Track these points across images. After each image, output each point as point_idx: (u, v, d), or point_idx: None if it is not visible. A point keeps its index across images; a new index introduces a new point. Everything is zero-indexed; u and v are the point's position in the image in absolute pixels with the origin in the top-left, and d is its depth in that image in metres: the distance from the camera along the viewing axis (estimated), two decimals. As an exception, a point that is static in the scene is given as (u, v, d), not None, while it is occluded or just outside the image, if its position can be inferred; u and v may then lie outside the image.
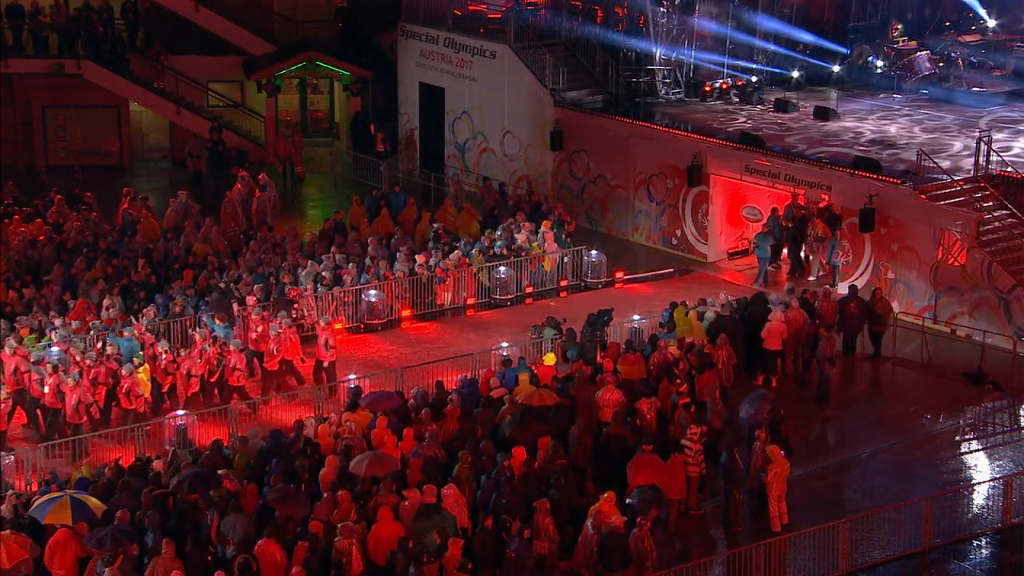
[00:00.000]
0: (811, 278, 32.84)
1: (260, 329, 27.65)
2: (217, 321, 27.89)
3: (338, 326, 29.73)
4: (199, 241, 33.48)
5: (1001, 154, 32.25)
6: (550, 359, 26.48)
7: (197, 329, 27.60)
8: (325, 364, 27.89)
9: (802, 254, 33.30)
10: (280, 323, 27.58)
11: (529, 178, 39.44)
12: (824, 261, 32.72)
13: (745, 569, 20.36)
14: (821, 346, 27.20)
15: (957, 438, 26.05)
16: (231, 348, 26.84)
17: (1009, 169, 31.77)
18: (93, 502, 20.60)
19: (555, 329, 28.13)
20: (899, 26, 42.19)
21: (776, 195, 33.86)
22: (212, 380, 26.69)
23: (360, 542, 19.79)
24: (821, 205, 32.68)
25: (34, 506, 20.73)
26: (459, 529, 20.32)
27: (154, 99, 43.81)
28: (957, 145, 34.45)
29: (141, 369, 26.01)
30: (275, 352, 27.35)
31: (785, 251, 33.56)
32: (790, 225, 32.92)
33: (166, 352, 26.65)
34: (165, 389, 26.59)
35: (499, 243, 33.36)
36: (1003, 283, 29.41)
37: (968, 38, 41.67)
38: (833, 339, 28.00)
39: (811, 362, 27.85)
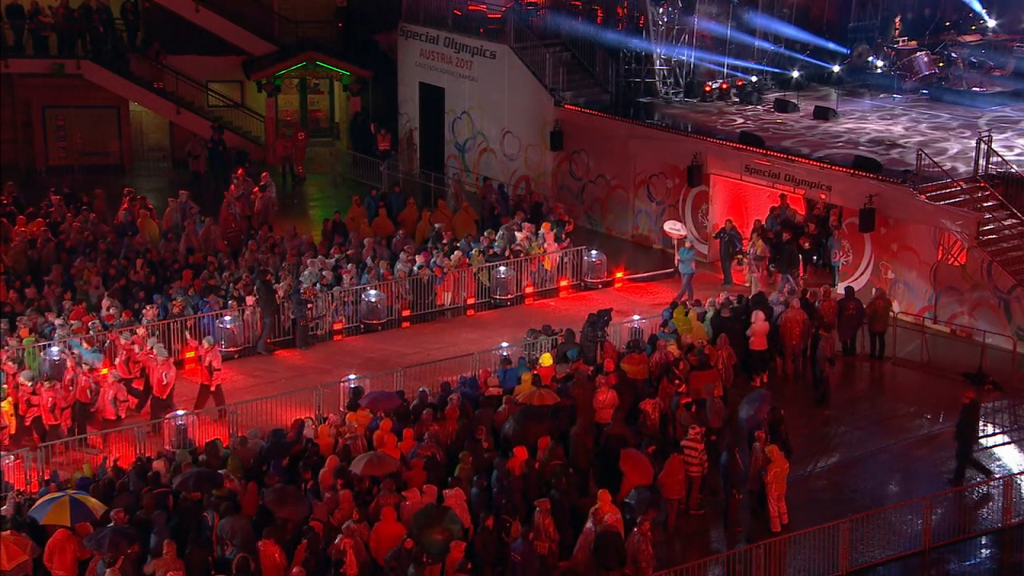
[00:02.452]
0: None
1: (135, 353, 26.67)
2: (85, 345, 26.83)
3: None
4: (200, 242, 33.51)
5: (1001, 154, 32.24)
6: (547, 359, 26.47)
7: (69, 354, 26.34)
8: (212, 388, 26.93)
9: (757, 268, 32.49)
10: (155, 351, 26.57)
11: (529, 178, 39.45)
12: (760, 277, 32.10)
13: (745, 569, 20.36)
14: (821, 346, 27.23)
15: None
16: (109, 380, 25.69)
17: (1013, 169, 31.76)
18: (93, 502, 20.59)
19: (550, 337, 28.19)
20: (898, 26, 42.19)
21: (774, 198, 33.87)
22: (93, 410, 25.62)
23: (361, 543, 19.80)
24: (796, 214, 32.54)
25: (34, 506, 20.75)
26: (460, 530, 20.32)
27: (154, 99, 43.82)
28: (956, 145, 34.45)
29: (5, 401, 25.00)
30: (165, 380, 26.22)
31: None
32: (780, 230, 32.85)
33: (28, 382, 25.34)
34: (28, 422, 25.17)
35: (498, 243, 33.36)
36: (1003, 283, 29.40)
37: (968, 38, 41.65)
38: (833, 339, 27.99)
39: (811, 362, 27.87)
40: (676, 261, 33.14)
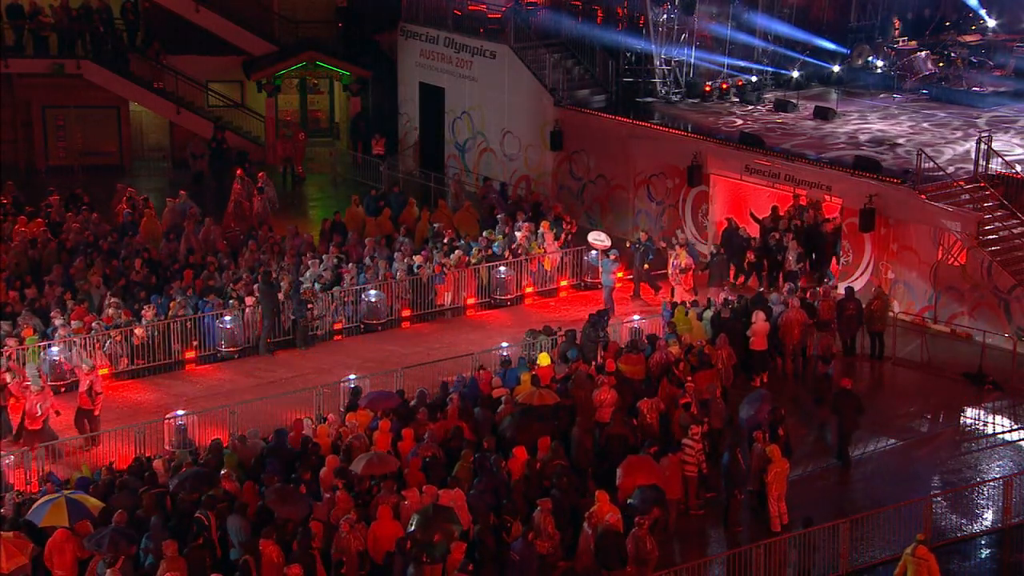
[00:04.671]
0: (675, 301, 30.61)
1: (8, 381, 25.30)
2: None
3: (103, 371, 27.10)
4: (200, 242, 33.51)
5: (1001, 154, 32.24)
6: (544, 359, 26.47)
7: None
8: (96, 412, 25.63)
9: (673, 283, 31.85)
10: (31, 381, 25.29)
11: (529, 178, 39.45)
12: (689, 289, 31.42)
13: (745, 569, 20.36)
14: (815, 345, 27.22)
15: (957, 438, 26.06)
16: None
17: (1016, 169, 31.75)
18: (91, 501, 20.59)
19: (550, 336, 28.20)
20: (898, 24, 42.22)
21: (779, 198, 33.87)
22: None
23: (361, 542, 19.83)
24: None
25: (32, 508, 20.75)
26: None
27: (154, 99, 43.80)
28: (956, 145, 34.45)
29: None
30: (39, 412, 24.87)
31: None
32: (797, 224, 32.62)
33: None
34: None
35: (498, 244, 33.32)
36: (1003, 283, 29.40)
37: (968, 38, 41.67)
38: (827, 338, 27.89)
39: (809, 362, 27.88)
40: (599, 273, 32.57)
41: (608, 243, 33.09)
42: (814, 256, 32.11)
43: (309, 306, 30.02)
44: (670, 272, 31.83)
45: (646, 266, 32.45)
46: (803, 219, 32.36)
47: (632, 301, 32.20)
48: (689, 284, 31.64)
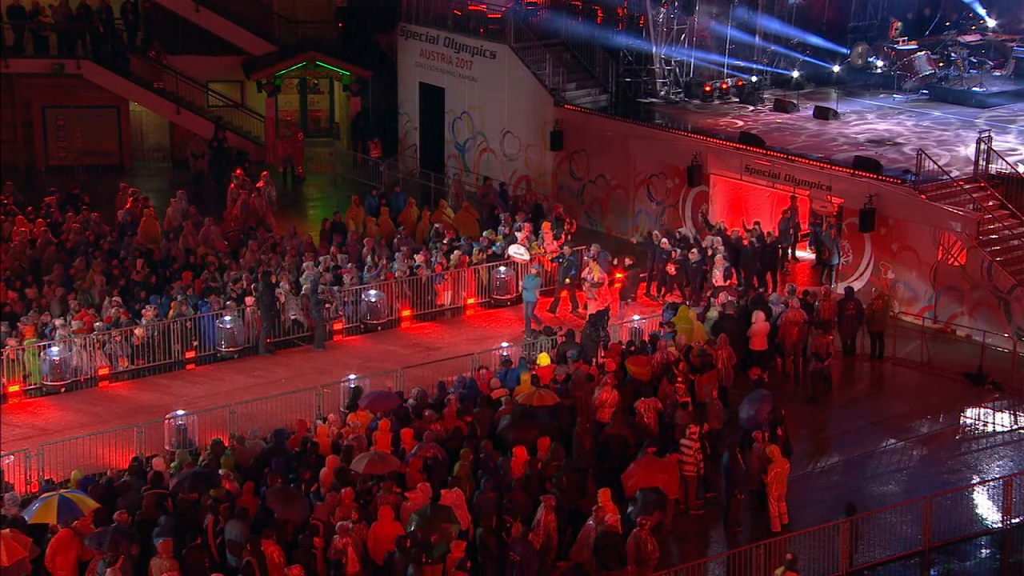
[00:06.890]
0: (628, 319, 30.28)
1: None
2: None
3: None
4: (200, 242, 33.50)
5: (1001, 154, 32.24)
6: (544, 359, 26.46)
7: None
8: None
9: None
10: None
11: (529, 178, 39.45)
12: (617, 304, 30.96)
13: (745, 569, 20.36)
14: (810, 343, 27.27)
15: (957, 438, 26.06)
16: None
17: (1020, 169, 31.76)
18: (88, 503, 20.53)
19: (550, 336, 28.17)
20: (898, 24, 42.24)
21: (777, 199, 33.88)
22: None
23: (360, 542, 19.81)
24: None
25: (29, 507, 20.75)
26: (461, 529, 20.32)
27: (154, 99, 43.80)
28: (956, 145, 34.46)
29: None
30: None
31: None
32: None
33: None
34: None
35: (499, 244, 33.30)
36: (1003, 283, 29.41)
37: (968, 38, 41.69)
38: (821, 337, 27.92)
39: (809, 362, 27.91)
40: (520, 288, 31.82)
41: (527, 257, 32.48)
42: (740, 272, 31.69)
43: (327, 305, 30.00)
44: (585, 287, 31.35)
45: (567, 280, 31.70)
46: (728, 234, 32.22)
47: (550, 314, 31.27)
48: (606, 299, 30.99)
